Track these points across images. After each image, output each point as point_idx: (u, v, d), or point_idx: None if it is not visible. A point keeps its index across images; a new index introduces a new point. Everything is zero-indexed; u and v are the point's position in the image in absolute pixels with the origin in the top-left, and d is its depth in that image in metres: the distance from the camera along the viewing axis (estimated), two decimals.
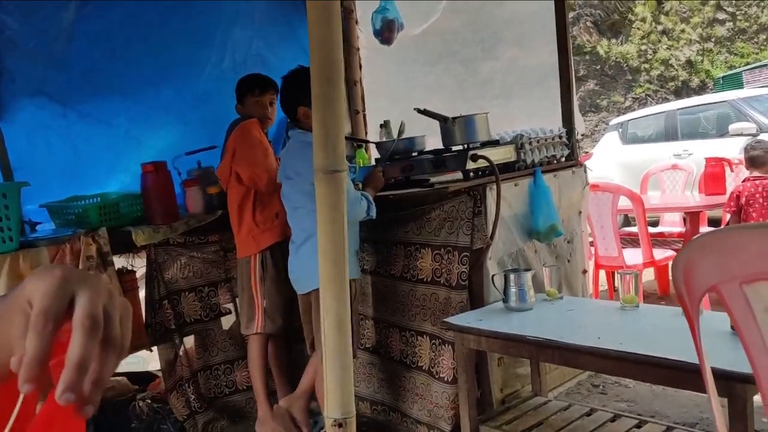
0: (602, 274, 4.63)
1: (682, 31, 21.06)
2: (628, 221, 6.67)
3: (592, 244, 4.46)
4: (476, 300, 2.74)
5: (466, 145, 2.94)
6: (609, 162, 8.17)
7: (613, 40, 20.19)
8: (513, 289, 2.56)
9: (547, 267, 2.76)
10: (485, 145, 2.97)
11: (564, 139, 3.28)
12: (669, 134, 7.98)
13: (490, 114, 3.04)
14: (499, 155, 2.90)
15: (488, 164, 2.76)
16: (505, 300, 2.58)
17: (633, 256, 4.33)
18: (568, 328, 2.32)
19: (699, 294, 1.05)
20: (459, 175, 2.90)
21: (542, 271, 2.79)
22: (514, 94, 5.21)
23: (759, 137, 5.59)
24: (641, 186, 5.76)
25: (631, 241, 4.82)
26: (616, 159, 8.19)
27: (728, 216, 4.03)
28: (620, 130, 8.69)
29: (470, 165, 2.79)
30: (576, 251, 3.29)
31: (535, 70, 4.93)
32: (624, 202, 4.33)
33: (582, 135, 18.13)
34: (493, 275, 2.68)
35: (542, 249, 3.07)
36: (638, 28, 20.56)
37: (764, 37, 21.68)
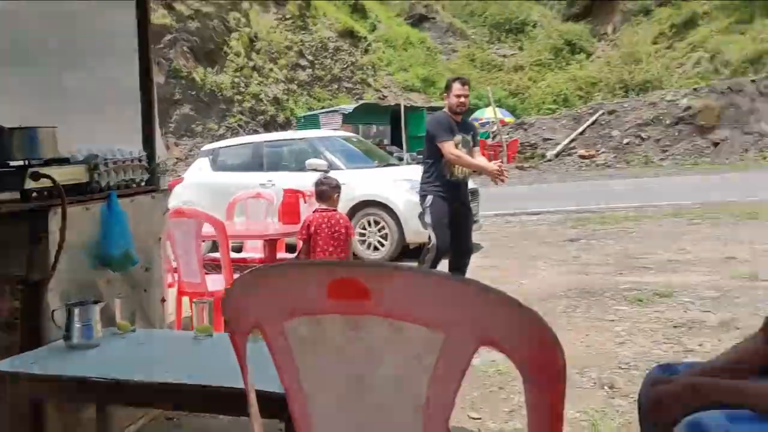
0: (186, 300, 4.58)
1: (271, 69, 22.84)
2: (216, 247, 6.81)
3: (176, 270, 4.38)
4: (33, 340, 2.38)
5: (26, 162, 2.56)
6: (200, 187, 8.27)
7: (209, 69, 20.76)
8: (77, 325, 2.29)
9: (120, 298, 2.57)
10: (51, 162, 2.64)
11: (144, 163, 3.14)
12: (256, 164, 8.49)
13: (70, 130, 2.72)
14: (67, 175, 2.61)
15: (53, 185, 2.45)
16: (68, 337, 2.30)
17: (216, 282, 4.40)
18: (138, 363, 2.18)
19: (245, 328, 1.05)
20: (17, 195, 2.50)
21: (114, 303, 2.59)
22: (102, 111, 4.83)
23: (328, 174, 6.33)
24: (227, 212, 5.94)
25: (216, 266, 4.89)
26: (206, 184, 8.34)
27: (301, 243, 4.42)
28: (211, 156, 8.90)
29: (31, 184, 2.43)
30: (154, 279, 3.17)
31: (127, 89, 4.65)
32: (211, 228, 4.38)
33: (177, 159, 18.03)
34: (53, 310, 2.37)
35: (116, 279, 2.86)
36: (232, 61, 21.57)
37: (336, 86, 24.93)
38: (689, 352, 3.76)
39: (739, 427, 1.22)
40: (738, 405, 1.26)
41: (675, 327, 4.26)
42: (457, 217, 4.68)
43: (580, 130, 22.10)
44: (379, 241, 7.36)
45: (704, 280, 5.48)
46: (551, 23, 31.35)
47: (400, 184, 7.40)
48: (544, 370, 0.87)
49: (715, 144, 19.55)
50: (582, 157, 20.94)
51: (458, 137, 4.63)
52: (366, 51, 27.97)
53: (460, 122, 4.73)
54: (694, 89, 21.53)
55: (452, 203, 4.66)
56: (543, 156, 21.48)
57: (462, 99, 4.63)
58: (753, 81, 20.48)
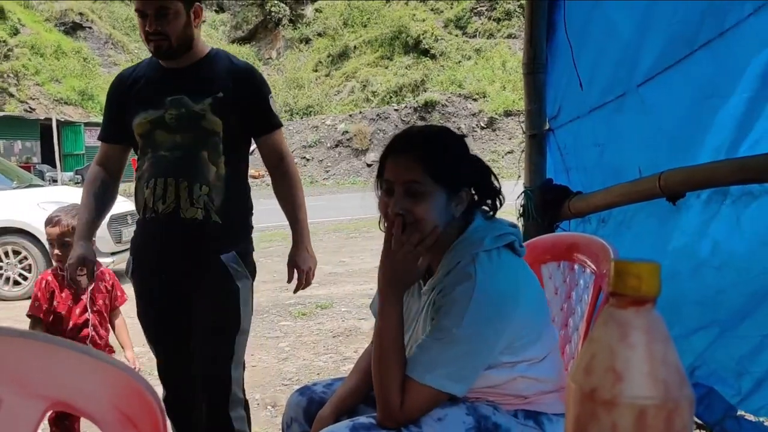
0: None
1: None
2: None
3: None
4: None
5: None
6: None
7: None
8: None
9: None
10: None
11: None
12: None
13: None
14: None
15: None
16: None
17: None
18: None
19: None
20: None
21: None
22: None
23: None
24: None
25: None
26: None
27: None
28: None
29: None
30: None
31: None
32: None
33: None
34: None
35: None
36: None
37: None
38: (346, 360, 4.00)
39: None
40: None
41: (334, 337, 4.50)
42: (170, 306, 2.11)
43: (250, 150, 22.56)
44: (21, 275, 6.37)
45: (359, 290, 5.95)
46: (218, 44, 31.52)
47: (46, 208, 6.52)
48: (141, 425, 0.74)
49: (368, 165, 21.78)
50: (252, 177, 21.38)
51: (154, 113, 1.99)
52: (6, 57, 24.51)
53: (186, 70, 2.03)
54: (350, 115, 23.73)
55: (155, 273, 2.10)
56: None
57: (150, 26, 1.93)
58: (396, 110, 23.41)
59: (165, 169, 1.98)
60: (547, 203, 2.46)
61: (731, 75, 1.78)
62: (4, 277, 6.34)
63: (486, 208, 1.46)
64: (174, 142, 1.98)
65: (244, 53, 30.99)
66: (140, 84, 2.06)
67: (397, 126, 22.51)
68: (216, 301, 2.03)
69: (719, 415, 1.93)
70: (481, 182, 1.43)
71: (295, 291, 2.16)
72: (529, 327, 1.34)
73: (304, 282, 2.14)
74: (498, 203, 1.46)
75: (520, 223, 2.55)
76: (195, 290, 2.04)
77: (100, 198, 2.13)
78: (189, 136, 1.98)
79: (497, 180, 1.46)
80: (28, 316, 2.52)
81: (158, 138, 1.99)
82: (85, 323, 2.52)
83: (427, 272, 1.46)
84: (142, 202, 2.03)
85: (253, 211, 2.20)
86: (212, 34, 32.30)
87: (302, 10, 31.43)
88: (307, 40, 30.70)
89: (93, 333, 2.52)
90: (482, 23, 27.52)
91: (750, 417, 1.97)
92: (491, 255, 1.34)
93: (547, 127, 2.60)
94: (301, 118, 25.51)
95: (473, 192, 1.41)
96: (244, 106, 2.02)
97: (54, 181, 17.29)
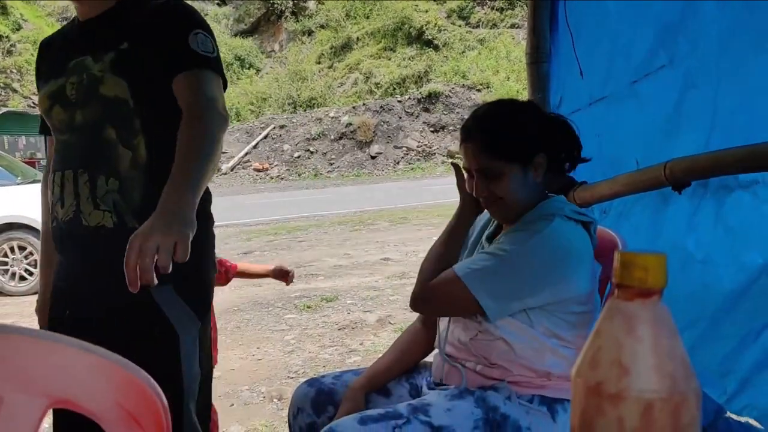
0: None
1: None
2: None
3: None
4: None
5: None
6: None
7: None
8: None
9: None
10: None
11: None
12: None
13: None
14: None
15: None
16: None
17: None
18: None
19: None
20: None
21: None
22: None
23: None
24: None
25: None
26: None
27: None
28: None
29: None
30: None
31: None
32: None
33: None
34: None
35: None
36: None
37: None
38: (352, 352, 4.00)
39: (368, 427, 1.30)
40: None
41: (340, 329, 4.50)
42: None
43: (254, 143, 22.57)
44: (27, 270, 6.39)
45: (364, 282, 5.95)
46: (221, 38, 31.45)
47: None
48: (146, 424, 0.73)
49: (372, 157, 21.75)
50: (256, 170, 21.39)
51: (54, 83, 1.47)
52: (9, 52, 24.53)
53: (98, 20, 1.46)
54: (353, 107, 23.66)
55: (61, 307, 1.49)
56: (218, 169, 21.36)
57: None
58: (399, 101, 23.33)
59: (62, 159, 1.43)
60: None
61: (707, 65, 1.75)
62: (10, 273, 6.37)
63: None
64: (71, 120, 1.42)
65: (246, 46, 30.96)
66: (53, 48, 1.54)
67: (401, 117, 22.47)
68: (145, 361, 1.02)
69: (711, 417, 1.91)
70: (553, 142, 1.46)
71: (128, 285, 1.06)
72: (573, 305, 1.36)
73: (140, 265, 1.07)
74: (575, 154, 1.52)
75: None
76: (116, 341, 1.02)
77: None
78: (89, 111, 1.40)
79: (573, 128, 1.51)
80: None
81: (55, 117, 1.45)
82: None
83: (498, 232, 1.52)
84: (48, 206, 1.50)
85: (212, 214, 1.53)
86: (215, 27, 32.19)
87: (304, 2, 31.32)
88: (310, 32, 30.59)
89: None
90: (485, 13, 27.37)
91: (738, 418, 1.94)
92: (569, 222, 1.39)
93: None
94: (305, 110, 25.46)
95: (547, 154, 1.44)
96: (157, 54, 1.36)
97: None
